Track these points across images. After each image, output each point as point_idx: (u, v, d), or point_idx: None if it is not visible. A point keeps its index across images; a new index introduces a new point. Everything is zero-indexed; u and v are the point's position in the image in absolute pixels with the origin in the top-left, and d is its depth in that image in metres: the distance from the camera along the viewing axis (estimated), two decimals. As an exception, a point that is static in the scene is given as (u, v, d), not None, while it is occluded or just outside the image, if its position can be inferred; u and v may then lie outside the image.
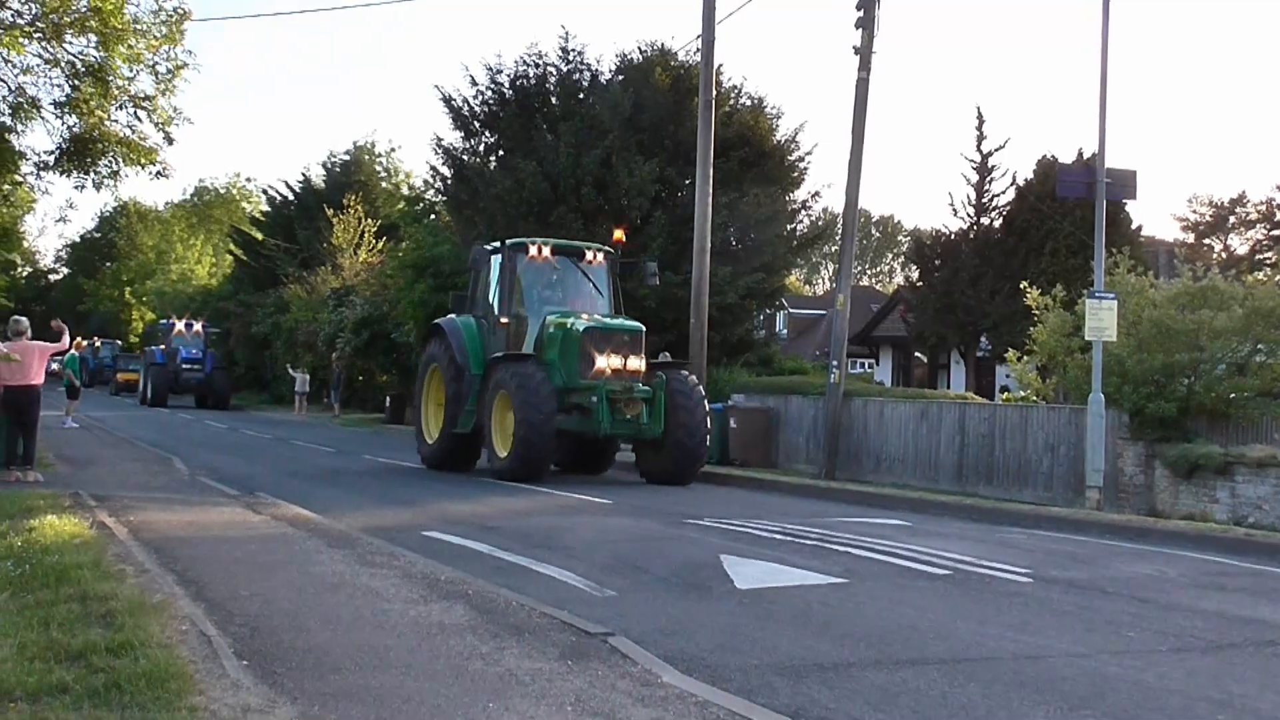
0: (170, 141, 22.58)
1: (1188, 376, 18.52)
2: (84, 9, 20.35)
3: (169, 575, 8.74)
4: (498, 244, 21.02)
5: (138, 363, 62.47)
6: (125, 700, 5.31)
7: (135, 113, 22.13)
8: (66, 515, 11.22)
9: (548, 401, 18.40)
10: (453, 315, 21.87)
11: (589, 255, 21.33)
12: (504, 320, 20.32)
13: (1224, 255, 42.97)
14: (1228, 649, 7.92)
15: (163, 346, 51.27)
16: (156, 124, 22.23)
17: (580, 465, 21.20)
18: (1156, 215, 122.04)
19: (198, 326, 52.67)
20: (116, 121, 22.19)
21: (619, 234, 21.82)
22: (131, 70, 21.56)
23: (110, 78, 21.36)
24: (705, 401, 20.09)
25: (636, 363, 19.66)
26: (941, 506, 17.14)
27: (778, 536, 12.61)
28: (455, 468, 20.85)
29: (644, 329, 20.31)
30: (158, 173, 22.71)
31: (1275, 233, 42.89)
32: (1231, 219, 46.10)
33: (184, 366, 49.39)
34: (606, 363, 19.23)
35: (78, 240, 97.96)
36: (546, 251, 20.72)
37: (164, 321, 55.16)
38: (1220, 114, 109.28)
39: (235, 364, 57.91)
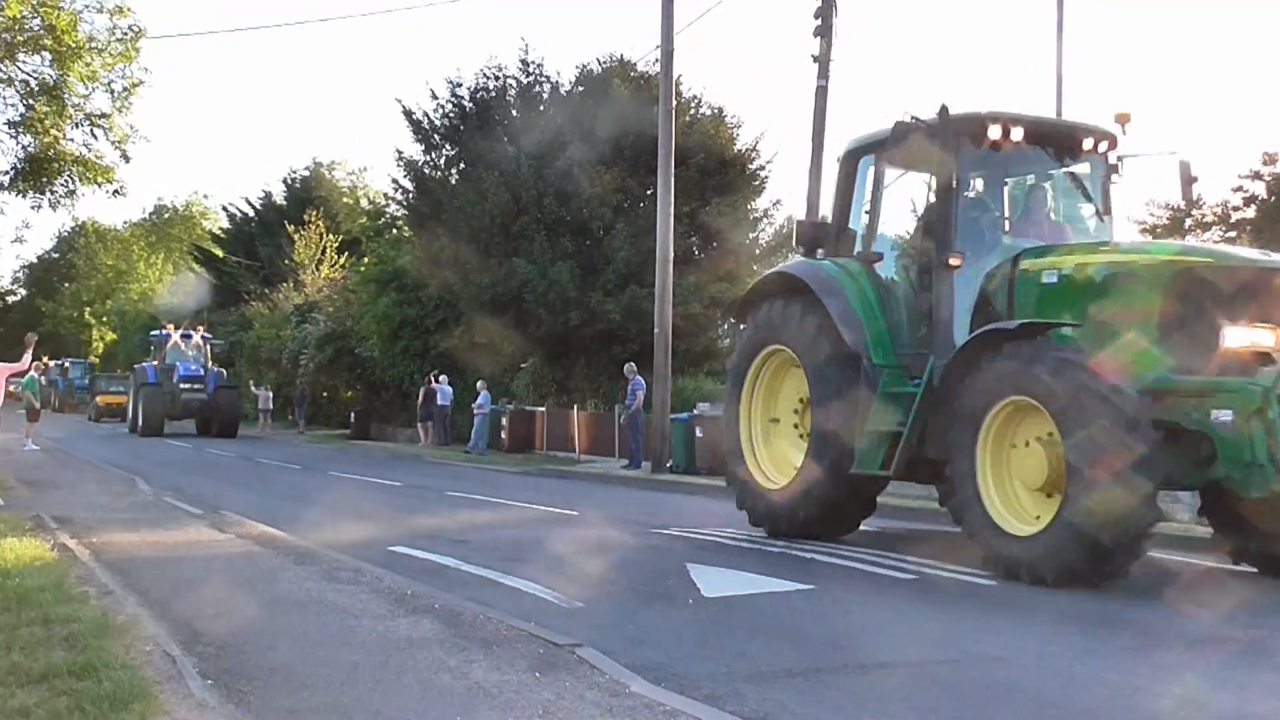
0: (127, 160, 22.39)
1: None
2: (37, 28, 20.18)
3: (132, 596, 8.68)
4: (928, 117, 11.61)
5: (122, 383, 57.00)
6: (89, 723, 5.27)
7: (91, 131, 21.91)
8: (28, 538, 11.11)
9: (1139, 417, 9.61)
10: (800, 259, 13.67)
11: (1086, 142, 12.15)
12: (951, 260, 11.53)
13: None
14: (1192, 646, 7.99)
15: (155, 362, 42.61)
16: (113, 142, 22.03)
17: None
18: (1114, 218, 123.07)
19: (197, 337, 44.15)
20: (72, 140, 21.98)
21: (1124, 112, 12.26)
22: (87, 88, 21.38)
23: (66, 96, 21.18)
24: None
25: None
26: (907, 511, 17.20)
27: (744, 545, 12.63)
28: (832, 531, 12.82)
29: None
30: (115, 191, 22.51)
31: (1231, 234, 43.34)
32: (1189, 221, 46.50)
33: (183, 386, 40.92)
34: (1248, 339, 10.09)
35: (35, 261, 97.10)
36: (1017, 134, 11.70)
37: (157, 332, 45.65)
38: (1175, 118, 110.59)
39: None
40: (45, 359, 69.31)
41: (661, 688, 6.37)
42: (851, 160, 12.92)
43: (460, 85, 33.34)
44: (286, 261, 52.13)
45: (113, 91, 21.67)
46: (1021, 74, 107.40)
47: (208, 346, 44.13)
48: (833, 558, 11.64)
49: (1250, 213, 44.81)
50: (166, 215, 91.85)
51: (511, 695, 6.08)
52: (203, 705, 5.70)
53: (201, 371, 41.77)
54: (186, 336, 43.90)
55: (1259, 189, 44.56)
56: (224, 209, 70.60)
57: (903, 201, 12.69)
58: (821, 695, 6.43)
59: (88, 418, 57.16)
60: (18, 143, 21.86)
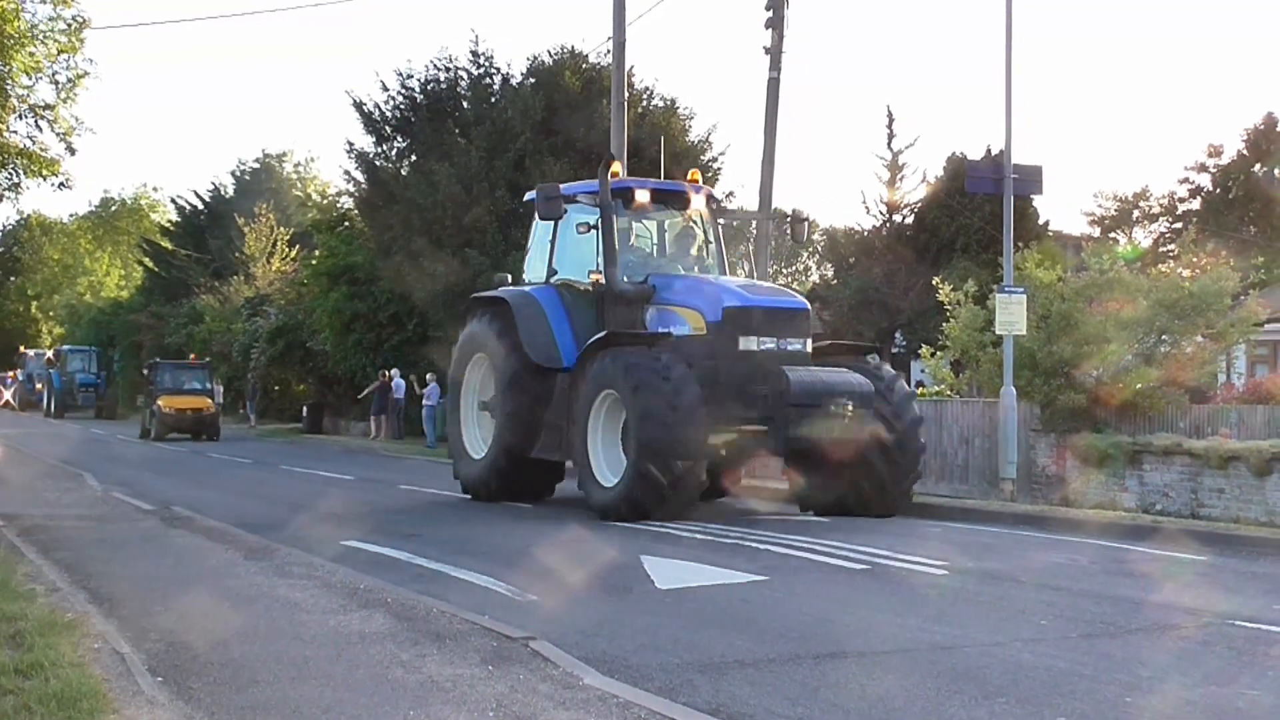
0: (72, 152, 21.94)
1: (1096, 368, 18.89)
2: (-24, 17, 19.83)
3: (81, 593, 8.60)
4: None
5: (198, 374, 38.60)
6: (36, 722, 5.21)
7: (35, 123, 21.53)
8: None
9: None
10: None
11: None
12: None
13: (1129, 248, 43.96)
14: (1136, 633, 8.11)
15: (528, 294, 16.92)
16: (58, 134, 21.65)
17: None
18: (1064, 210, 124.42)
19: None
20: (15, 132, 21.59)
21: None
22: (30, 79, 21.05)
23: (8, 87, 20.81)
24: None
25: None
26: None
27: (698, 536, 12.66)
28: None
29: None
30: (60, 184, 22.09)
31: (1177, 225, 43.91)
32: (1136, 213, 47.07)
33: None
34: None
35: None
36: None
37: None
38: (1123, 110, 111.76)
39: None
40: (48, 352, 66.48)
41: (615, 680, 6.39)
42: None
43: (411, 77, 33.21)
44: (237, 254, 51.64)
45: (57, 83, 21.34)
46: (972, 61, 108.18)
47: None
48: (786, 548, 11.69)
49: (1195, 204, 45.50)
50: (114, 208, 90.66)
51: (465, 689, 6.08)
52: (152, 702, 5.65)
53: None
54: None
55: (1204, 181, 45.27)
56: (173, 201, 69.68)
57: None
58: (774, 685, 6.48)
59: (141, 431, 36.96)
60: (-42, 136, 21.50)
